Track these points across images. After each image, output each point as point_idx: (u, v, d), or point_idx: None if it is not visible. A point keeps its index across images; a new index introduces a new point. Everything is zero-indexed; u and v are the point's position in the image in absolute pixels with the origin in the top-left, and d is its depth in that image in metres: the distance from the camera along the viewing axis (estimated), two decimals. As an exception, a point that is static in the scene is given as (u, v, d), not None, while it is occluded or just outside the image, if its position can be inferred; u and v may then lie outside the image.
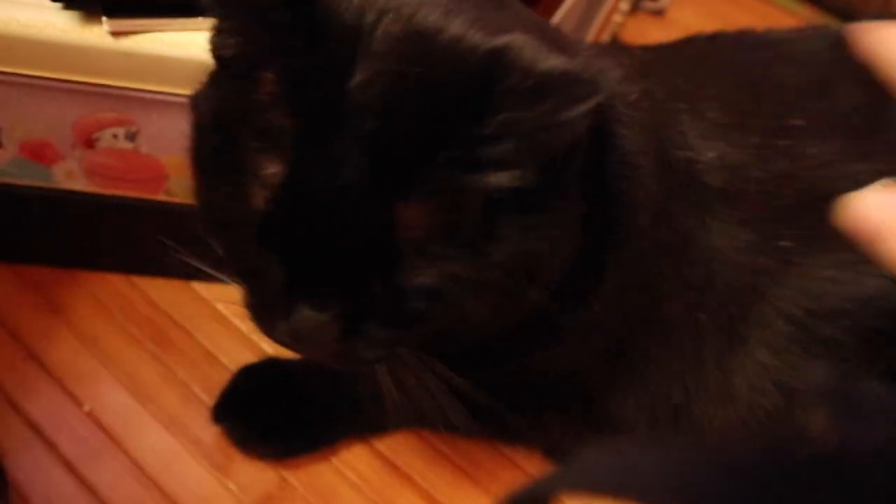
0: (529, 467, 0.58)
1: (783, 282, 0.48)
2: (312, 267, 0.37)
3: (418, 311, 0.38)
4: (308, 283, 0.37)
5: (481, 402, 0.47)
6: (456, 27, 0.35)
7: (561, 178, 0.37)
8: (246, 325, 0.63)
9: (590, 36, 0.90)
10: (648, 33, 1.09)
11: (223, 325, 0.63)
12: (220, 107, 0.39)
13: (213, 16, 0.38)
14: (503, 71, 0.33)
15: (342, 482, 0.55)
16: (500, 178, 0.35)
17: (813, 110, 0.50)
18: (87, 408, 0.56)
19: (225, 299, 0.64)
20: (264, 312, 0.40)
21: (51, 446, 0.54)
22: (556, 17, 0.79)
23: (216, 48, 0.39)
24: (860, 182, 0.30)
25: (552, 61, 0.33)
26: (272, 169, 0.35)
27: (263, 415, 0.56)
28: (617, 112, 0.44)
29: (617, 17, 0.98)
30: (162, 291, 0.64)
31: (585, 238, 0.42)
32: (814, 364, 0.48)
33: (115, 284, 0.64)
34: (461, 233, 0.36)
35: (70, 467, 0.53)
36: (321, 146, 0.34)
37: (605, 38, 0.98)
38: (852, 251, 0.30)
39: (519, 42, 0.34)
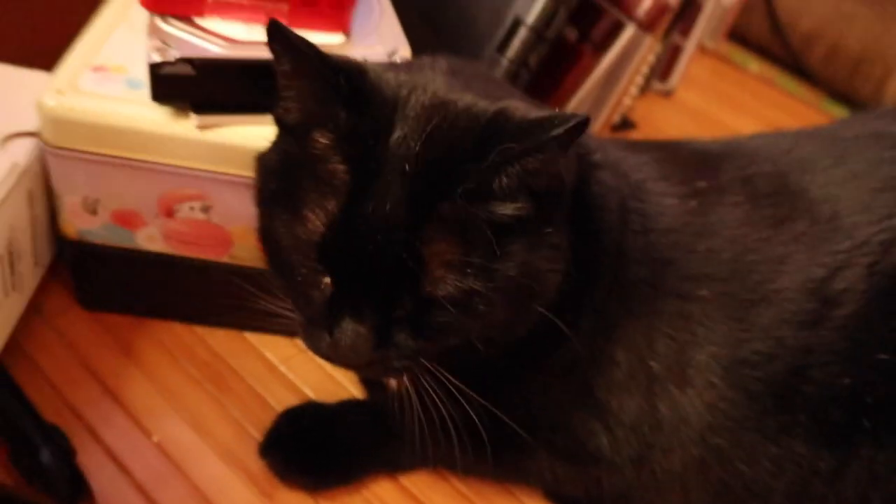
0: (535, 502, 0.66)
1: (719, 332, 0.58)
2: (355, 284, 0.47)
3: (441, 323, 0.47)
4: (350, 299, 0.47)
5: (486, 425, 0.56)
6: (469, 98, 0.48)
7: (551, 208, 0.49)
8: (291, 372, 0.72)
9: (602, 116, 1.01)
10: (656, 113, 1.19)
11: (271, 372, 0.72)
12: (282, 160, 0.51)
13: (281, 88, 0.49)
14: (504, 120, 0.46)
15: (371, 511, 0.64)
16: (505, 208, 0.46)
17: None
18: (155, 438, 0.66)
19: (272, 349, 0.74)
20: (312, 330, 0.50)
21: (124, 471, 0.63)
22: (574, 101, 0.89)
23: (280, 115, 0.51)
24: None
25: (540, 112, 0.47)
26: (328, 205, 0.46)
27: (302, 451, 0.65)
28: (597, 173, 0.57)
29: (627, 100, 1.08)
30: (219, 340, 0.74)
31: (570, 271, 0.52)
32: (745, 411, 0.58)
33: (179, 332, 0.74)
34: (475, 254, 0.46)
35: (141, 489, 0.62)
36: (367, 187, 0.45)
37: (616, 118, 1.09)
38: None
39: (515, 105, 0.48)
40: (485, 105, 0.48)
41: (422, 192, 0.45)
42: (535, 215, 0.48)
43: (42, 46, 0.67)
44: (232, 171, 0.63)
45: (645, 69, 1.09)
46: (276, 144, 0.53)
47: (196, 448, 0.65)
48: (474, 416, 0.55)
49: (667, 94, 1.21)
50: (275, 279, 0.53)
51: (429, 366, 0.52)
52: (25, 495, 0.58)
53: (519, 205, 0.47)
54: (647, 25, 0.83)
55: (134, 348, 0.72)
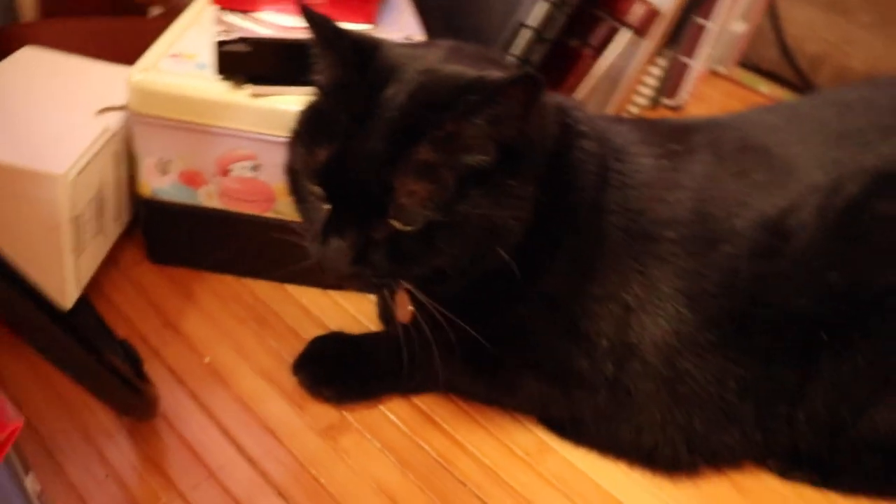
0: (531, 424, 0.75)
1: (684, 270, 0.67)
2: (343, 208, 0.58)
3: (409, 249, 0.57)
4: (338, 220, 0.58)
5: (480, 353, 0.66)
6: (458, 67, 0.59)
7: (517, 163, 0.58)
8: (323, 315, 0.84)
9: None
10: (666, 125, 1.30)
11: (305, 314, 0.84)
12: (311, 110, 0.63)
13: (314, 57, 0.62)
14: (479, 85, 0.56)
15: (386, 422, 0.74)
16: (470, 157, 0.56)
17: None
18: (207, 359, 0.78)
19: (308, 298, 0.86)
20: (314, 243, 0.60)
21: (180, 382, 0.75)
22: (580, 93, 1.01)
23: (315, 79, 0.63)
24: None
25: (510, 74, 0.57)
26: (332, 142, 0.58)
27: (328, 370, 0.76)
28: (581, 140, 0.66)
29: (634, 108, 1.19)
30: (264, 289, 0.86)
31: (543, 220, 0.62)
32: (710, 337, 0.68)
33: (230, 283, 0.87)
34: (438, 192, 0.56)
35: (194, 396, 0.74)
36: (360, 130, 0.57)
37: (626, 125, 1.20)
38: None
39: (493, 73, 0.58)
40: (470, 72, 0.59)
41: (400, 136, 0.56)
42: (500, 168, 0.57)
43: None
44: (278, 132, 0.76)
45: (649, 79, 1.20)
46: (310, 101, 0.66)
47: (240, 368, 0.77)
48: (468, 344, 0.65)
49: (675, 109, 1.32)
50: (295, 206, 0.65)
51: (412, 290, 0.62)
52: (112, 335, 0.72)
53: (482, 157, 0.56)
54: (640, 30, 0.96)
55: (192, 294, 0.85)
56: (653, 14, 0.95)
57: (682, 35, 1.17)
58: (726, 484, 0.72)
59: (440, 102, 0.56)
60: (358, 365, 0.76)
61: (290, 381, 0.76)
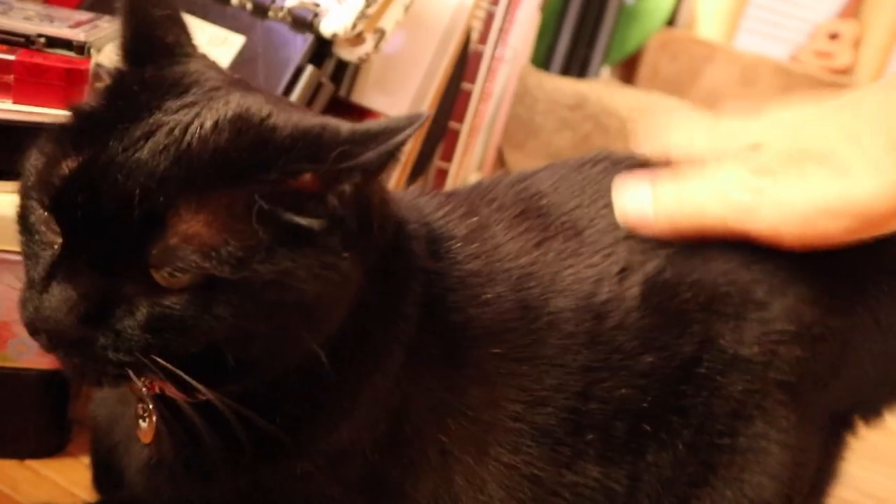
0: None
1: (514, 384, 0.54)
2: (82, 244, 0.41)
3: (175, 312, 0.40)
4: (71, 260, 0.41)
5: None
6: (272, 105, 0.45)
7: (350, 235, 0.44)
8: (14, 490, 0.61)
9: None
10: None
11: None
12: (74, 113, 0.46)
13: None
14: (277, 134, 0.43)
15: None
16: (298, 219, 0.42)
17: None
18: None
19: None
20: (28, 293, 0.42)
21: None
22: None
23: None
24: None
25: (312, 121, 0.44)
26: (86, 149, 0.41)
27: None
28: (409, 243, 0.53)
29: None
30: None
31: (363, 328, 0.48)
32: (542, 450, 0.55)
33: None
34: (231, 241, 0.40)
35: None
36: (129, 137, 0.41)
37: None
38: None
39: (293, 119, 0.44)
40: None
41: (193, 160, 0.41)
42: (328, 233, 0.44)
43: None
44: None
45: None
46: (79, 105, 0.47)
47: None
48: None
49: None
50: (20, 241, 0.45)
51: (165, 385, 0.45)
52: None
53: (314, 220, 0.43)
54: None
55: None
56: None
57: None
58: None
59: (277, 143, 0.42)
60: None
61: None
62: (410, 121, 0.42)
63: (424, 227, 0.55)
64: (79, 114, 0.45)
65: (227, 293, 0.41)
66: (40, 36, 0.62)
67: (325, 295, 0.44)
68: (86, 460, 0.65)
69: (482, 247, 0.56)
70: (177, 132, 0.41)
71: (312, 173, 0.42)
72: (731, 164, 0.55)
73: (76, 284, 0.40)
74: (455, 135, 1.24)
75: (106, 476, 0.59)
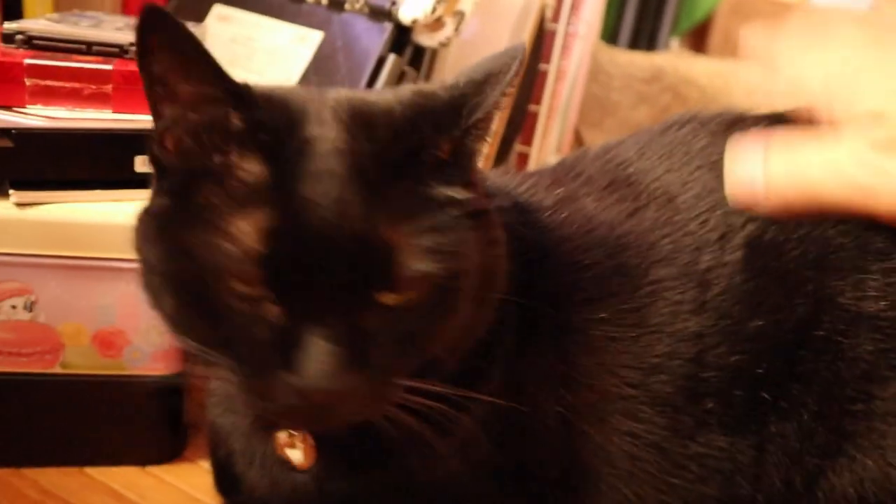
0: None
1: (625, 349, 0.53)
2: (313, 300, 0.38)
3: (415, 326, 0.41)
4: (308, 317, 0.38)
5: None
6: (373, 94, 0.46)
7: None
8: (141, 496, 0.62)
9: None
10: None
11: (118, 502, 0.61)
12: (178, 193, 0.41)
13: (156, 101, 0.41)
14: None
15: None
16: (451, 190, 0.42)
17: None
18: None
19: (119, 480, 0.63)
20: (262, 381, 0.39)
21: None
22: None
23: (160, 158, 0.43)
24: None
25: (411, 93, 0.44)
26: (255, 216, 0.38)
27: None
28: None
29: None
30: (53, 478, 0.62)
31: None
32: (663, 419, 0.53)
33: (2, 478, 0.62)
34: (442, 237, 0.41)
35: None
36: (295, 185, 0.38)
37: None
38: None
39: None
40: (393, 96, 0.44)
41: (369, 178, 0.40)
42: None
43: None
44: (59, 253, 0.58)
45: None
46: (155, 196, 0.44)
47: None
48: None
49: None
50: (193, 343, 0.42)
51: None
52: None
53: (455, 189, 0.43)
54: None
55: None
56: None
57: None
58: None
59: (431, 119, 0.41)
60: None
61: None
62: (511, 55, 0.42)
63: (511, 200, 0.55)
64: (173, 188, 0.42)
65: (447, 283, 0.41)
66: (132, 45, 0.63)
67: (497, 252, 0.46)
68: (204, 465, 0.65)
69: (572, 217, 0.55)
70: (337, 155, 0.40)
71: (449, 138, 0.42)
72: (851, 135, 0.51)
73: (329, 337, 0.38)
74: (534, 118, 1.20)
75: (226, 481, 0.59)
